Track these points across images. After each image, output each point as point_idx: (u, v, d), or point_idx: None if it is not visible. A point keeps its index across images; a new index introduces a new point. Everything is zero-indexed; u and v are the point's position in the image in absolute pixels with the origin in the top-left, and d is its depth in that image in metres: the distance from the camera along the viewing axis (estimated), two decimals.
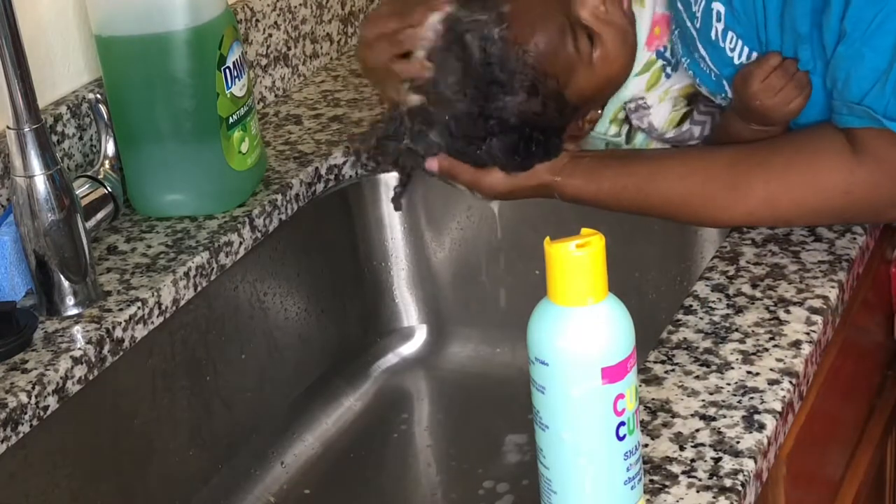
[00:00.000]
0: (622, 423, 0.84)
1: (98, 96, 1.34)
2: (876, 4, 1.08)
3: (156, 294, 1.22)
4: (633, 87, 1.27)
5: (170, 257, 1.28)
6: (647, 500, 0.91)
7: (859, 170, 1.12)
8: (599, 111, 1.27)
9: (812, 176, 1.15)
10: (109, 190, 1.31)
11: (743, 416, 0.99)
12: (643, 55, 1.26)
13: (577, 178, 1.24)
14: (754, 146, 1.20)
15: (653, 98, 1.29)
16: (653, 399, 1.02)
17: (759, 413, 0.99)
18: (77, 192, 1.22)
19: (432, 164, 1.25)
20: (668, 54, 1.27)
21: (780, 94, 1.17)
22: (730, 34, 1.18)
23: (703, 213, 1.21)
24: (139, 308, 1.20)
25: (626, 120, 1.31)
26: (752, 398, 1.01)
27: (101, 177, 1.31)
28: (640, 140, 1.32)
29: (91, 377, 1.15)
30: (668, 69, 1.28)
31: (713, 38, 1.19)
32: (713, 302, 1.14)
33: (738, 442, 0.96)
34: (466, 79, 1.17)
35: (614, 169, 1.24)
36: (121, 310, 1.19)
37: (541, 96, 1.18)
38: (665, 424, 0.99)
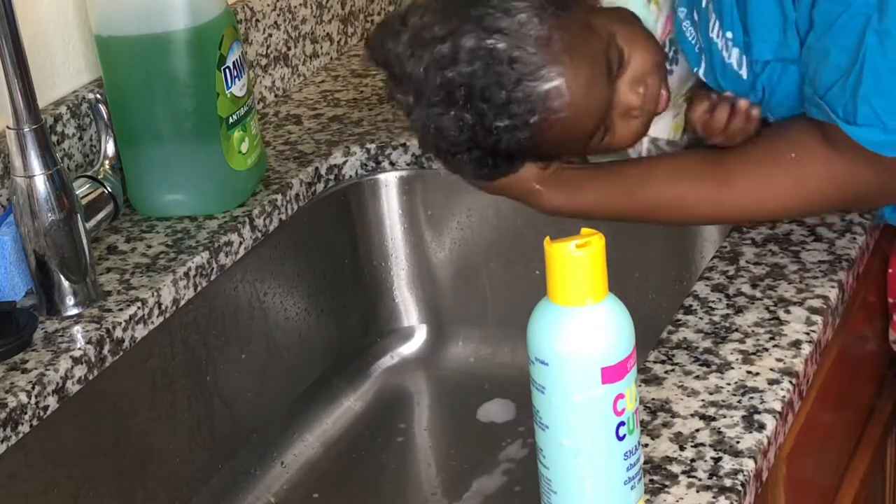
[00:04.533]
0: (622, 423, 0.84)
1: (98, 96, 1.35)
2: (841, 3, 1.08)
3: (156, 294, 1.22)
4: None
5: (170, 257, 1.28)
6: (647, 500, 0.91)
7: (837, 159, 1.11)
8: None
9: (792, 166, 1.15)
10: (109, 190, 1.31)
11: (743, 416, 0.99)
12: None
13: (560, 190, 1.22)
14: (715, 151, 1.20)
15: None
16: (653, 399, 1.02)
17: (758, 413, 0.99)
18: (77, 192, 1.22)
19: None
20: (667, 49, 1.27)
21: (723, 135, 1.19)
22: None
23: (691, 213, 1.21)
24: (139, 308, 1.20)
25: None
26: (751, 398, 1.01)
27: (101, 177, 1.31)
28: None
29: (91, 377, 1.15)
30: (670, 66, 1.27)
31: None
32: (713, 302, 1.14)
33: (738, 442, 0.96)
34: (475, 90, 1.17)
35: (600, 179, 1.23)
36: (121, 310, 1.19)
37: (535, 133, 1.16)
38: (665, 424, 0.99)
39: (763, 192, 1.16)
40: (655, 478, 0.93)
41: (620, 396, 0.84)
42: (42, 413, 1.10)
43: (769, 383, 1.03)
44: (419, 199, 1.52)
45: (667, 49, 1.26)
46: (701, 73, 1.22)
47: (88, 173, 1.31)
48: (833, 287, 1.14)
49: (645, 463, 0.94)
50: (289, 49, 1.67)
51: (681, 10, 1.23)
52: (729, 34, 1.17)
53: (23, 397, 1.08)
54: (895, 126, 1.07)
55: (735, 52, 1.17)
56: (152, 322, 1.22)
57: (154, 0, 1.29)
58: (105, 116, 1.33)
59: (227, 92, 1.33)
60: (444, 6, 1.18)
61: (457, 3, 1.18)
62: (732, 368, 1.05)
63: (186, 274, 1.26)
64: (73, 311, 1.19)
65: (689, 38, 1.22)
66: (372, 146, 1.50)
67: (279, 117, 1.60)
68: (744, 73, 1.18)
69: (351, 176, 1.50)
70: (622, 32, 1.19)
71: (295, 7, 1.67)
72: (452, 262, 1.56)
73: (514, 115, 1.11)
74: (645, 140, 1.30)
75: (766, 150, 1.17)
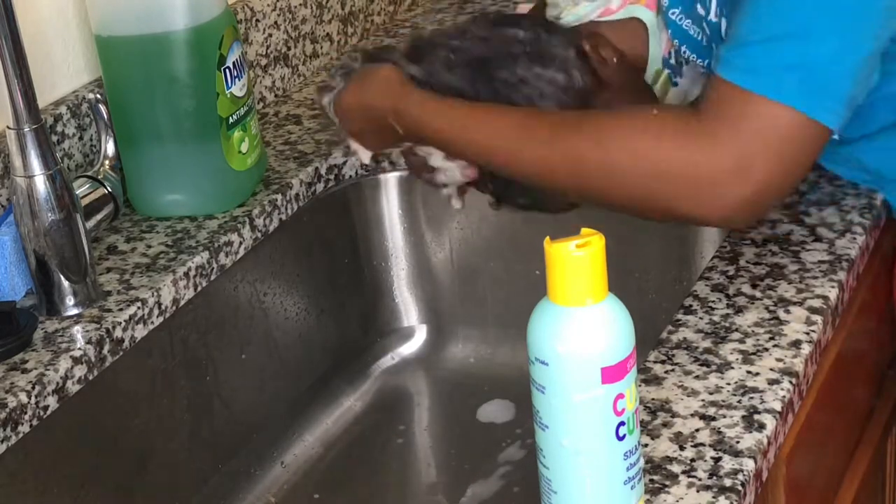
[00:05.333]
0: (622, 423, 0.85)
1: (98, 96, 1.35)
2: None
3: (156, 294, 1.22)
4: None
5: (170, 257, 1.28)
6: (647, 500, 0.91)
7: (692, 122, 1.05)
8: None
9: (641, 119, 1.07)
10: (109, 190, 1.31)
11: (743, 416, 0.99)
12: (655, 65, 1.26)
13: (419, 106, 1.18)
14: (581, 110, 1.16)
15: None
16: (653, 399, 1.02)
17: (758, 413, 0.99)
18: (77, 192, 1.22)
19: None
20: (671, 61, 1.27)
21: None
22: None
23: (510, 161, 1.13)
24: (139, 308, 1.20)
25: None
26: (751, 398, 1.01)
27: (101, 177, 1.31)
28: None
29: (91, 377, 1.15)
30: (673, 76, 1.27)
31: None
32: (713, 302, 1.14)
33: (737, 442, 0.96)
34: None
35: (450, 107, 1.17)
36: (121, 310, 1.19)
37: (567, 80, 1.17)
38: (665, 424, 0.99)
39: (603, 141, 1.07)
40: (655, 478, 0.93)
41: (620, 396, 0.84)
42: (42, 413, 1.10)
43: (769, 383, 1.03)
44: (419, 199, 1.52)
45: (671, 60, 1.27)
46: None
47: (88, 173, 1.31)
48: (833, 287, 1.14)
49: (645, 463, 0.94)
50: (289, 49, 1.67)
51: (672, 10, 1.23)
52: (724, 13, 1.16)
53: (23, 397, 1.08)
54: (729, 39, 1.05)
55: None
56: (152, 322, 1.22)
57: (154, 0, 1.29)
58: (105, 116, 1.34)
59: (227, 92, 1.33)
60: (478, 70, 1.19)
61: (487, 73, 1.19)
62: (732, 368, 1.05)
63: (186, 274, 1.26)
64: (73, 311, 1.19)
65: (695, 35, 1.22)
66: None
67: (279, 117, 1.60)
68: None
69: (351, 176, 1.50)
70: None
71: (295, 7, 1.67)
72: (452, 262, 1.56)
73: None
74: None
75: (631, 107, 1.12)
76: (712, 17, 1.17)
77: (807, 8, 1.02)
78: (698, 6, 1.20)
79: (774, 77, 1.02)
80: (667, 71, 1.27)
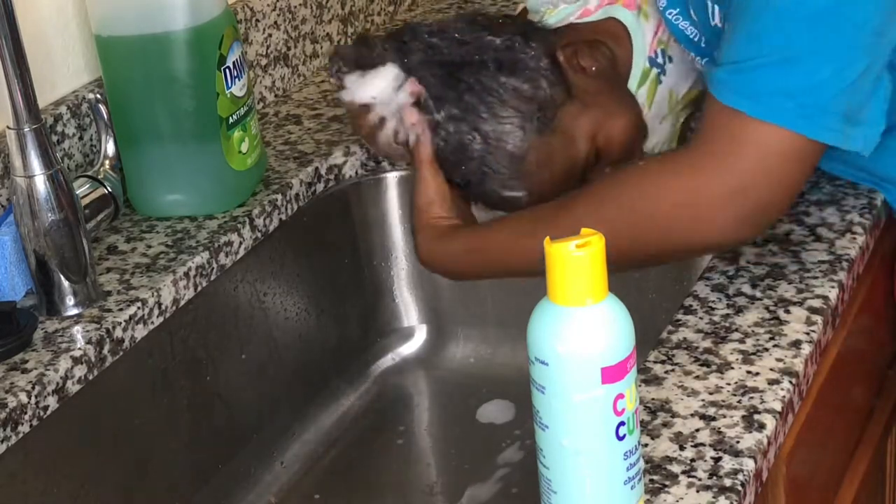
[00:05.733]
0: (622, 423, 0.84)
1: (98, 96, 1.35)
2: None
3: (156, 294, 1.22)
4: (639, 99, 1.27)
5: (170, 257, 1.28)
6: (647, 500, 0.91)
7: (689, 153, 1.07)
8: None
9: (637, 175, 1.10)
10: (109, 190, 1.31)
11: (743, 416, 0.99)
12: (642, 64, 1.26)
13: (435, 237, 1.22)
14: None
15: (653, 122, 1.28)
16: (653, 399, 1.02)
17: (759, 413, 0.99)
18: (77, 192, 1.22)
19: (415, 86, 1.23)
20: (658, 59, 1.27)
21: None
22: None
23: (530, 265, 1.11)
24: (139, 308, 1.20)
25: None
26: (751, 398, 1.01)
27: (101, 177, 1.31)
28: None
29: (91, 377, 1.15)
30: (661, 75, 1.28)
31: None
32: (713, 302, 1.14)
33: (738, 442, 0.96)
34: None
35: (469, 231, 1.22)
36: (121, 310, 1.19)
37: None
38: (665, 424, 0.99)
39: (602, 207, 1.10)
40: (655, 478, 0.93)
41: (620, 396, 0.84)
42: (42, 413, 1.10)
43: (769, 383, 1.03)
44: None
45: (658, 59, 1.27)
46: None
47: (88, 173, 1.31)
48: (833, 287, 1.14)
49: (645, 463, 0.94)
50: (289, 49, 1.67)
51: (670, 11, 1.23)
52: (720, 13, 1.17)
53: (23, 397, 1.08)
54: (724, 62, 1.06)
55: None
56: (152, 322, 1.22)
57: (154, 0, 1.29)
58: (105, 116, 1.33)
59: (227, 92, 1.33)
60: (448, 72, 1.21)
61: (456, 77, 1.21)
62: (732, 368, 1.05)
63: (186, 274, 1.26)
64: (73, 311, 1.19)
65: (691, 36, 1.22)
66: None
67: (279, 117, 1.60)
68: None
69: (351, 176, 1.50)
70: (605, 130, 1.23)
71: (295, 7, 1.67)
72: None
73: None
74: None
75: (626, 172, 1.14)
76: (717, 22, 1.17)
77: (804, 31, 1.03)
78: (692, 10, 1.20)
79: (773, 102, 1.03)
80: (655, 70, 1.27)
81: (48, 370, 1.11)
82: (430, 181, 1.24)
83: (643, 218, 1.08)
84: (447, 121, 1.22)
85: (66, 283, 1.18)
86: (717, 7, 1.17)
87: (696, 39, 1.22)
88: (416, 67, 1.24)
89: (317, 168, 1.46)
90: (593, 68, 1.23)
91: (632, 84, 1.26)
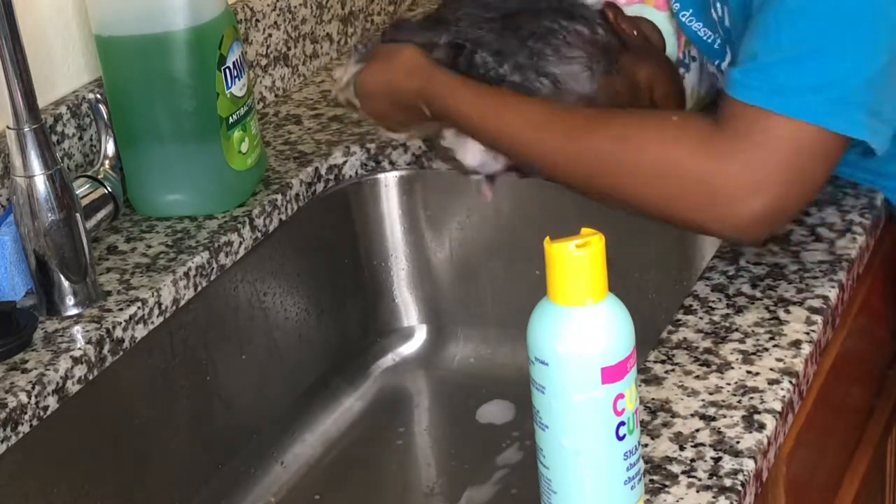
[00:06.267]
0: (622, 423, 0.84)
1: (98, 96, 1.35)
2: None
3: (156, 294, 1.22)
4: None
5: (170, 257, 1.28)
6: (647, 500, 0.91)
7: (716, 134, 1.05)
8: None
9: (663, 126, 1.07)
10: (109, 190, 1.31)
11: (743, 416, 0.99)
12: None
13: (443, 89, 1.17)
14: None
15: None
16: (653, 399, 1.02)
17: (759, 413, 0.99)
18: (77, 192, 1.22)
19: None
20: (685, 60, 1.27)
21: None
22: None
23: (538, 156, 1.13)
24: (139, 308, 1.20)
25: None
26: (752, 398, 1.01)
27: (101, 177, 1.31)
28: None
29: (91, 377, 1.15)
30: (684, 71, 1.28)
31: None
32: (713, 302, 1.14)
33: (738, 442, 0.96)
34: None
35: (477, 93, 1.16)
36: (121, 310, 1.19)
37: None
38: (665, 424, 0.99)
39: (624, 146, 1.08)
40: (655, 478, 0.93)
41: (620, 396, 0.84)
42: (42, 413, 1.10)
43: (769, 383, 1.03)
44: (419, 199, 1.52)
45: (685, 59, 1.27)
46: (726, 65, 1.21)
47: (88, 173, 1.31)
48: (833, 287, 1.14)
49: (645, 463, 0.94)
50: (289, 49, 1.67)
51: (683, 13, 1.23)
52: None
53: (23, 397, 1.08)
54: (742, 60, 1.05)
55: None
56: (152, 322, 1.22)
57: (154, 0, 1.29)
58: (105, 116, 1.34)
59: (227, 92, 1.33)
60: (504, 25, 1.19)
61: (515, 26, 1.18)
62: (732, 368, 1.05)
63: (186, 274, 1.26)
64: (73, 311, 1.19)
65: (704, 37, 1.22)
66: (372, 146, 1.50)
67: (279, 117, 1.60)
68: None
69: (351, 176, 1.50)
70: (660, 84, 1.21)
71: (295, 7, 1.67)
72: (452, 262, 1.56)
73: None
74: None
75: (652, 111, 1.13)
76: (729, 23, 1.18)
77: (822, 25, 1.02)
78: (712, 11, 1.20)
79: (799, 97, 1.02)
80: (682, 70, 1.27)
81: (48, 370, 1.11)
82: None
83: (654, 182, 1.06)
84: (513, 72, 1.17)
85: (66, 283, 1.18)
86: (725, 8, 1.17)
87: (709, 40, 1.22)
88: (466, 31, 1.19)
89: (317, 168, 1.46)
90: (634, 32, 1.21)
91: None
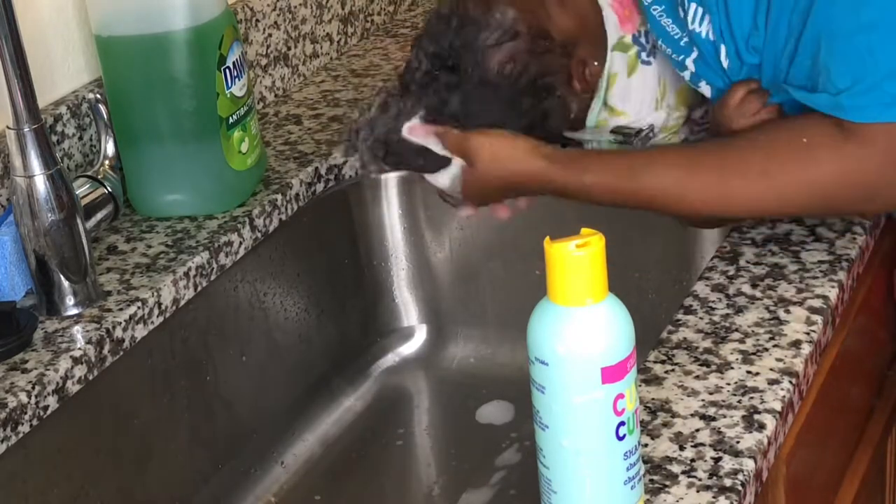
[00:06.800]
0: (622, 423, 0.85)
1: (98, 96, 1.35)
2: None
3: (156, 294, 1.22)
4: (618, 63, 1.28)
5: (170, 257, 1.28)
6: (647, 500, 0.91)
7: (846, 143, 1.10)
8: (596, 63, 1.27)
9: (803, 151, 1.13)
10: (109, 190, 1.31)
11: (743, 416, 0.99)
12: (616, 33, 1.27)
13: (564, 166, 1.20)
14: (738, 135, 1.19)
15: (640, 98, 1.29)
16: (653, 399, 1.02)
17: (759, 413, 0.99)
18: (77, 192, 1.22)
19: (415, 127, 1.23)
20: (642, 39, 1.28)
21: (753, 118, 1.19)
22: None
23: (692, 201, 1.17)
24: (139, 308, 1.20)
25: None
26: (752, 398, 1.01)
27: (101, 177, 1.31)
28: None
29: (91, 377, 1.15)
30: (644, 55, 1.28)
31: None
32: (713, 302, 1.14)
33: (738, 442, 0.96)
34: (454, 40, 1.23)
35: (604, 158, 1.22)
36: (121, 310, 1.19)
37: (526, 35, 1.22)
38: (665, 424, 0.99)
39: (774, 180, 1.13)
40: (655, 478, 0.93)
41: (620, 396, 0.84)
42: (42, 413, 1.10)
43: (769, 383, 1.03)
44: (419, 199, 1.52)
45: (643, 39, 1.28)
46: (690, 62, 1.22)
47: (88, 173, 1.31)
48: (833, 287, 1.14)
49: (645, 463, 0.94)
50: (289, 49, 1.67)
51: (654, 7, 1.24)
52: (706, 19, 1.18)
53: (23, 397, 1.08)
54: (845, 87, 1.08)
55: (717, 38, 1.18)
56: (152, 322, 1.22)
57: (154, 0, 1.29)
58: (105, 116, 1.33)
59: (227, 92, 1.33)
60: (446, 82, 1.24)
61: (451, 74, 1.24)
62: (732, 368, 1.05)
63: (186, 274, 1.26)
64: (73, 311, 1.19)
65: (673, 34, 1.23)
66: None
67: (279, 117, 1.60)
68: (724, 61, 1.19)
69: (351, 176, 1.50)
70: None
71: (295, 7, 1.67)
72: (452, 262, 1.56)
73: None
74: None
75: (776, 136, 1.15)
76: (699, 29, 1.19)
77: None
78: (679, 10, 1.21)
79: None
80: (636, 48, 1.28)
81: (48, 370, 1.11)
82: (471, 138, 1.23)
83: (807, 199, 1.14)
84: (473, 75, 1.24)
85: (66, 283, 1.18)
86: (700, 9, 1.18)
87: (676, 37, 1.23)
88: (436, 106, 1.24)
89: (317, 168, 1.46)
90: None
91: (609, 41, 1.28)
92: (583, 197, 1.21)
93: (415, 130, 1.24)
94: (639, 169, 1.19)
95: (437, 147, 1.24)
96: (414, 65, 1.26)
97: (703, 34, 1.19)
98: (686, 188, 1.16)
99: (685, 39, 1.22)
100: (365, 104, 1.35)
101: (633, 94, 1.29)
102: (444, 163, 1.24)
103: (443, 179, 1.26)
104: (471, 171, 1.24)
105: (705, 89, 1.24)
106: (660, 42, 1.25)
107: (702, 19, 1.19)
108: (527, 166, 1.21)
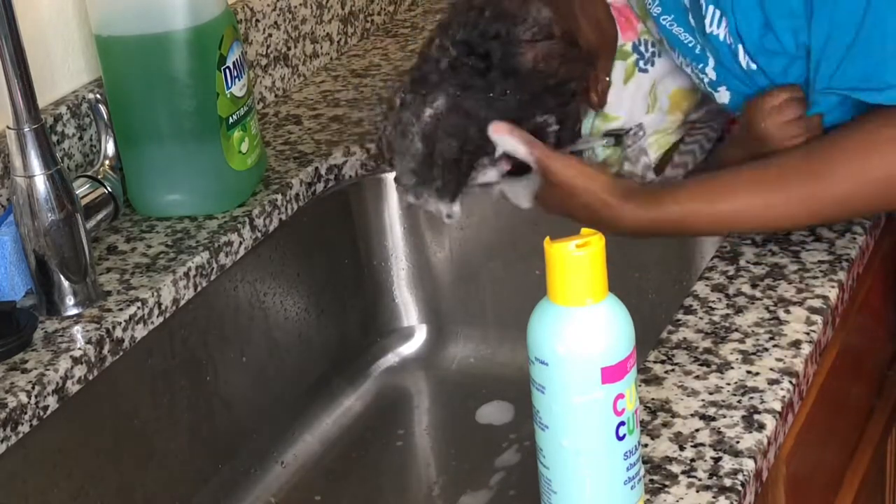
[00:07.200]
0: (622, 423, 0.85)
1: (98, 96, 1.35)
2: None
3: (156, 294, 1.22)
4: (616, 71, 1.28)
5: (170, 257, 1.28)
6: (647, 500, 0.91)
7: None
8: (608, 79, 1.27)
9: (888, 146, 1.10)
10: (109, 190, 1.31)
11: (743, 416, 0.99)
12: (623, 44, 1.28)
13: (638, 204, 1.16)
14: (793, 151, 1.17)
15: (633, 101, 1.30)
16: (653, 399, 1.02)
17: (758, 413, 0.99)
18: (77, 192, 1.22)
19: (500, 128, 1.20)
20: (641, 48, 1.28)
21: (788, 126, 1.17)
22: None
23: (782, 216, 1.16)
24: (139, 308, 1.20)
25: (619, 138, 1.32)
26: (751, 398, 1.01)
27: (101, 177, 1.31)
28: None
29: (91, 377, 1.15)
30: (641, 63, 1.28)
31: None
32: (713, 302, 1.14)
33: (737, 442, 0.96)
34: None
35: (678, 191, 1.18)
36: (121, 310, 1.19)
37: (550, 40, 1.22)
38: (665, 424, 0.99)
39: (862, 177, 1.11)
40: (655, 478, 0.93)
41: (620, 396, 0.84)
42: (42, 413, 1.10)
43: (769, 383, 1.03)
44: None
45: (642, 48, 1.28)
46: (710, 70, 1.22)
47: (88, 173, 1.31)
48: (833, 287, 1.14)
49: (645, 463, 0.94)
50: (289, 49, 1.67)
51: (664, 17, 1.24)
52: (724, 22, 1.17)
53: (23, 397, 1.08)
54: None
55: (735, 40, 1.18)
56: (152, 322, 1.22)
57: (154, 0, 1.29)
58: (105, 116, 1.34)
59: (227, 92, 1.33)
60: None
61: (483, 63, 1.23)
62: (732, 368, 1.05)
63: (186, 274, 1.26)
64: (73, 311, 1.19)
65: (686, 42, 1.23)
66: (372, 146, 1.50)
67: (279, 117, 1.60)
68: (742, 62, 1.18)
69: (351, 176, 1.50)
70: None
71: (295, 7, 1.67)
72: (452, 262, 1.56)
73: None
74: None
75: (853, 136, 1.13)
76: (717, 32, 1.18)
77: None
78: (691, 18, 1.21)
79: None
80: (635, 55, 1.28)
81: (48, 370, 1.11)
82: (566, 163, 1.20)
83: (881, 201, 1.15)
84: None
85: (65, 283, 1.18)
86: (717, 11, 1.17)
87: (690, 45, 1.23)
88: (462, 96, 1.22)
89: (317, 168, 1.46)
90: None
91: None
92: (658, 233, 1.19)
93: (499, 129, 1.21)
94: (719, 196, 1.16)
95: (519, 150, 1.21)
96: (435, 53, 1.24)
97: (721, 37, 1.18)
98: (775, 206, 1.14)
99: (699, 47, 1.22)
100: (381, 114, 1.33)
101: (626, 100, 1.29)
102: (525, 169, 1.22)
103: (517, 186, 1.25)
104: (547, 198, 1.22)
105: (724, 95, 1.23)
106: (676, 52, 1.25)
107: (720, 21, 1.18)
108: (591, 205, 1.18)
